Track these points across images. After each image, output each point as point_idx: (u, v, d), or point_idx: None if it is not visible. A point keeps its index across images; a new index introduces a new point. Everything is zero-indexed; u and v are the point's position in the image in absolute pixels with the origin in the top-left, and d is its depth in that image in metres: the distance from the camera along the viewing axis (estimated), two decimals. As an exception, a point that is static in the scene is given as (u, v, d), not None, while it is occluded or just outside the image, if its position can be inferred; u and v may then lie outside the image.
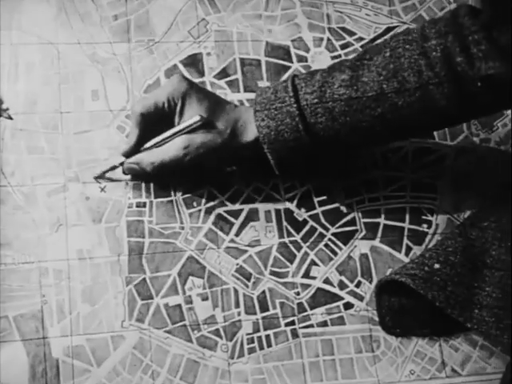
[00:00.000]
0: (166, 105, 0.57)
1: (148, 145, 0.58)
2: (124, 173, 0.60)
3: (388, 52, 0.53)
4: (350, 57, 0.57)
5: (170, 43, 0.65)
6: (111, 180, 0.60)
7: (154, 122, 0.57)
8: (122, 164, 0.59)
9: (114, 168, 0.60)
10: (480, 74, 0.49)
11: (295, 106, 0.54)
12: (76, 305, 0.57)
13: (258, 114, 0.56)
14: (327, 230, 0.63)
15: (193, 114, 0.56)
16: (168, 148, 0.57)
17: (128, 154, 0.59)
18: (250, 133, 0.57)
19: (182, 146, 0.56)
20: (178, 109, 0.57)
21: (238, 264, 0.61)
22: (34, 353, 0.55)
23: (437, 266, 0.58)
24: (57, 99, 0.62)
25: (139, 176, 0.60)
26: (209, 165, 0.60)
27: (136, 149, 0.58)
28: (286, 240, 0.62)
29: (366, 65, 0.54)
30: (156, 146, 0.58)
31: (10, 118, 0.60)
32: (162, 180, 0.61)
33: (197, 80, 0.64)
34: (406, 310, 0.60)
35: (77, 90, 0.62)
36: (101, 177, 0.60)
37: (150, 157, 0.57)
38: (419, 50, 0.51)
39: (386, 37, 0.56)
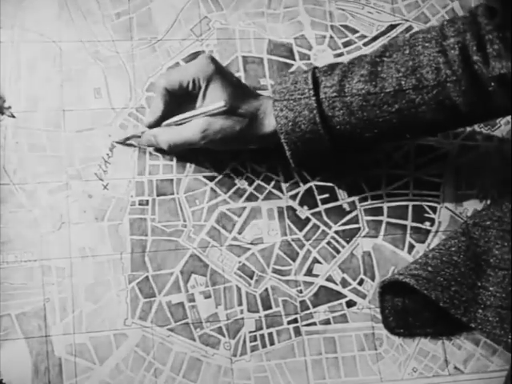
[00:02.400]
0: (190, 85, 0.58)
1: (168, 121, 0.59)
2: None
3: (407, 49, 0.54)
4: (370, 52, 0.57)
5: (173, 41, 0.65)
6: (129, 144, 0.61)
7: (178, 98, 0.58)
8: (143, 133, 0.60)
9: (135, 137, 0.60)
10: (494, 73, 0.50)
11: (314, 98, 0.55)
12: (78, 303, 0.57)
13: (277, 104, 0.56)
14: (330, 227, 0.63)
15: (216, 99, 0.57)
16: (186, 129, 0.57)
17: (151, 126, 0.59)
18: (269, 124, 0.58)
19: (200, 129, 0.56)
20: (202, 91, 0.58)
21: (240, 262, 0.61)
22: (37, 351, 0.55)
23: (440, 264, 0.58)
24: (59, 97, 0.62)
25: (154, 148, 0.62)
26: (224, 150, 0.60)
27: (160, 121, 0.59)
28: (289, 238, 0.62)
29: (386, 61, 0.54)
30: (176, 123, 0.58)
31: (12, 116, 0.60)
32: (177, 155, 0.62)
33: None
34: (409, 310, 0.60)
35: (79, 87, 0.62)
36: (122, 142, 0.61)
37: (168, 135, 0.58)
38: (438, 48, 0.52)
39: (405, 35, 0.56)
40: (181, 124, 0.58)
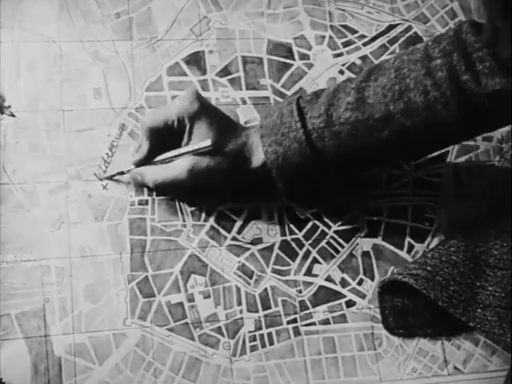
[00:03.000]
0: (175, 123, 0.57)
1: (156, 159, 0.58)
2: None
3: (393, 73, 0.53)
4: (354, 77, 0.56)
5: (172, 41, 0.65)
6: (115, 180, 0.60)
7: (164, 136, 0.57)
8: (129, 171, 0.59)
9: (121, 173, 0.60)
10: (487, 90, 0.50)
11: (301, 131, 0.54)
12: (78, 303, 0.57)
13: (265, 140, 0.55)
14: (329, 227, 0.63)
15: (201, 137, 0.56)
16: (173, 167, 0.57)
17: (139, 164, 0.58)
18: (257, 158, 0.57)
19: (187, 168, 0.56)
20: (187, 129, 0.57)
21: (240, 262, 0.61)
22: (36, 351, 0.55)
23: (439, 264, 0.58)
24: (59, 97, 0.62)
25: (141, 186, 0.60)
26: (213, 188, 0.60)
27: (146, 160, 0.58)
28: (288, 238, 0.62)
29: (372, 86, 0.53)
30: (162, 162, 0.58)
31: (12, 115, 0.60)
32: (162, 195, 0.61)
33: (198, 78, 0.64)
34: (408, 310, 0.60)
35: (79, 87, 0.62)
36: (107, 178, 0.60)
37: (154, 173, 0.57)
38: (424, 70, 0.52)
39: (390, 58, 0.55)
40: (167, 162, 0.57)
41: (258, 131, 0.56)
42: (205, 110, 0.57)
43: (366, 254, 0.62)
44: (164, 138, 0.57)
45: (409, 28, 0.69)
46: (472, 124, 0.53)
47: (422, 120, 0.52)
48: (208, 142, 0.55)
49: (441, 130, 0.53)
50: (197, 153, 0.56)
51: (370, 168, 0.58)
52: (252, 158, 0.57)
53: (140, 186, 0.60)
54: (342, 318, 0.60)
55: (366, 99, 0.53)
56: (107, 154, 0.61)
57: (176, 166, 0.56)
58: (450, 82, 0.50)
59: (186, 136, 0.57)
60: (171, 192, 0.60)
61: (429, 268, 0.58)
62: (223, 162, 0.56)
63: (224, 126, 0.58)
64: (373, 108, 0.53)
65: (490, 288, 0.57)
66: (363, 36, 0.68)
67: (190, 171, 0.56)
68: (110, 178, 0.60)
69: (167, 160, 0.57)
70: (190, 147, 0.56)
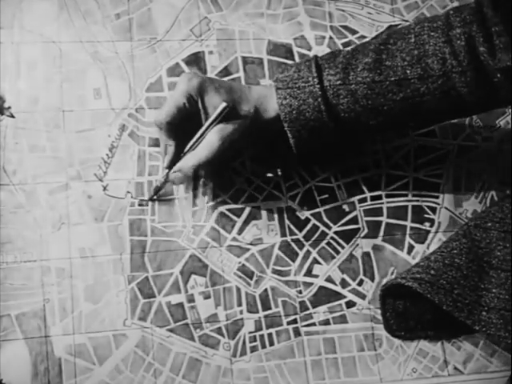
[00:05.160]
0: (187, 104, 0.56)
1: (185, 150, 0.58)
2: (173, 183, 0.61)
3: (412, 38, 0.54)
4: (373, 39, 0.57)
5: (172, 41, 0.65)
6: (161, 200, 0.61)
7: (182, 124, 0.57)
8: (167, 176, 0.59)
9: (163, 184, 0.60)
10: (500, 64, 0.50)
11: (318, 86, 0.55)
12: (78, 303, 0.57)
13: (280, 92, 0.56)
14: (329, 228, 0.63)
15: (216, 105, 0.56)
16: (204, 145, 0.56)
17: (171, 166, 0.58)
18: (271, 109, 0.57)
19: (216, 138, 0.56)
20: (200, 105, 0.57)
21: (240, 262, 0.61)
22: (37, 351, 0.56)
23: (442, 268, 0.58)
24: (59, 98, 0.62)
25: (187, 181, 0.61)
26: (244, 148, 0.61)
27: (176, 158, 0.58)
28: (288, 238, 0.62)
29: (390, 49, 0.54)
30: (192, 148, 0.57)
31: (11, 116, 0.60)
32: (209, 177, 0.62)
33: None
34: (410, 313, 0.60)
35: (79, 88, 0.62)
36: (152, 198, 0.61)
37: (190, 160, 0.57)
38: (444, 37, 0.52)
39: (410, 22, 0.56)
40: (197, 146, 0.57)
41: (273, 84, 0.57)
42: (207, 81, 0.57)
43: (366, 255, 0.62)
44: (183, 128, 0.58)
45: (409, 28, 0.69)
46: (485, 97, 0.53)
47: (437, 87, 0.53)
48: (223, 104, 0.56)
49: (454, 99, 0.53)
50: (219, 121, 0.56)
51: (381, 130, 0.58)
52: (266, 110, 0.57)
53: (184, 181, 0.60)
54: (342, 319, 0.61)
55: (383, 61, 0.54)
56: (107, 154, 0.61)
57: (206, 142, 0.56)
58: (468, 52, 0.51)
59: (202, 113, 0.57)
60: (213, 168, 0.60)
61: (432, 272, 0.57)
62: (245, 119, 0.57)
63: (230, 88, 0.58)
64: (390, 70, 0.54)
65: (494, 290, 0.57)
66: (363, 37, 0.68)
67: (220, 140, 0.56)
68: (155, 194, 0.60)
69: (196, 144, 0.57)
70: (210, 119, 0.56)
